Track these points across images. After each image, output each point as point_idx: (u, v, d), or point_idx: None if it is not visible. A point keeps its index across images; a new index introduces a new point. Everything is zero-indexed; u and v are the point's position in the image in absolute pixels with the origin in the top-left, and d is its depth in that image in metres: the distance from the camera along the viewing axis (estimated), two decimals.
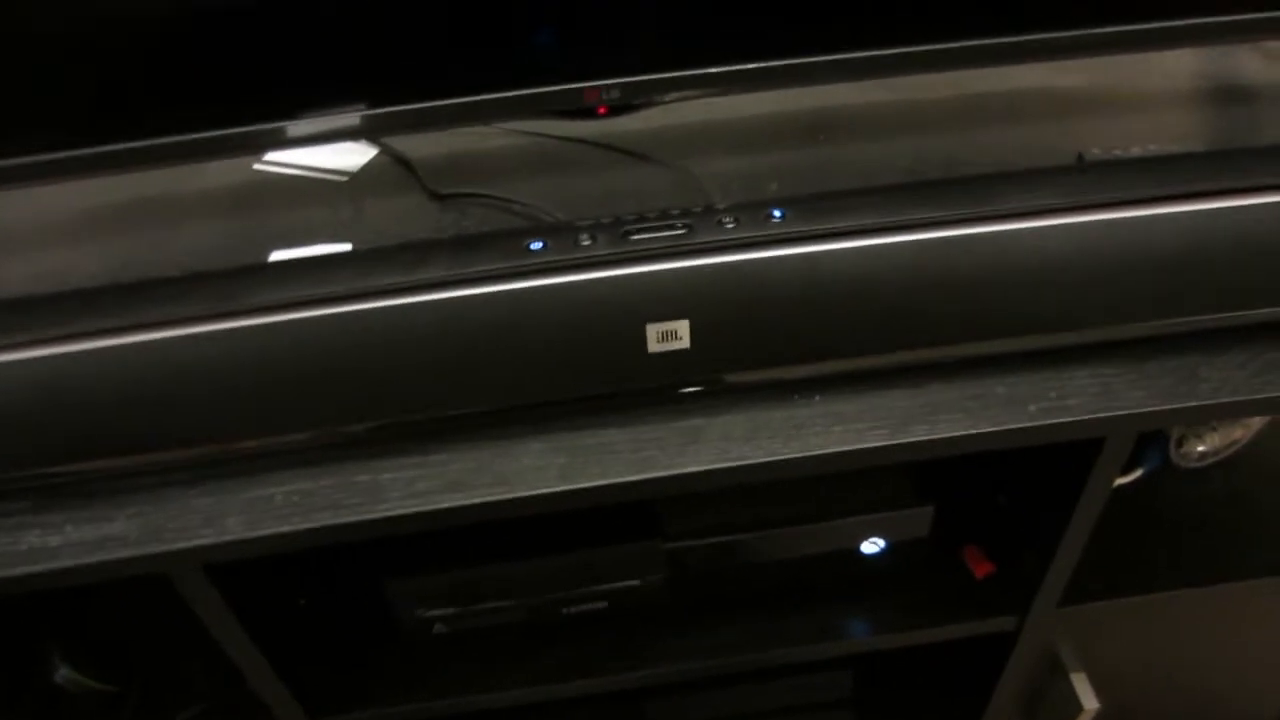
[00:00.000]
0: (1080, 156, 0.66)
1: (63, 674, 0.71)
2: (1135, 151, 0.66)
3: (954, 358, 0.59)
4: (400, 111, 0.62)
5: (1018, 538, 0.73)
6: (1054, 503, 0.65)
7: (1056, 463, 0.64)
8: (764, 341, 0.55)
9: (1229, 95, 0.82)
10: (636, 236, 0.53)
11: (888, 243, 0.53)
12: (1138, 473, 0.82)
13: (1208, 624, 0.82)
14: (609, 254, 0.52)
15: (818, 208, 0.54)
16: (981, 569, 0.76)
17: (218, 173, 0.75)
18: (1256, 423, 0.82)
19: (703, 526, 0.72)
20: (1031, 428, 0.55)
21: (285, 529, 0.54)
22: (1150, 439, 0.82)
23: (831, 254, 0.52)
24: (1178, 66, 0.84)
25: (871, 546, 0.74)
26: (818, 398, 0.58)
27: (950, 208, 0.54)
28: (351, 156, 0.76)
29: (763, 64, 0.63)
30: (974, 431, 0.55)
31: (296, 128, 0.62)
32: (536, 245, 0.52)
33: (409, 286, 0.52)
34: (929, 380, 0.59)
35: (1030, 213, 0.55)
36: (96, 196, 0.73)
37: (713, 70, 0.63)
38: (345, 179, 0.74)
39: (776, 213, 0.53)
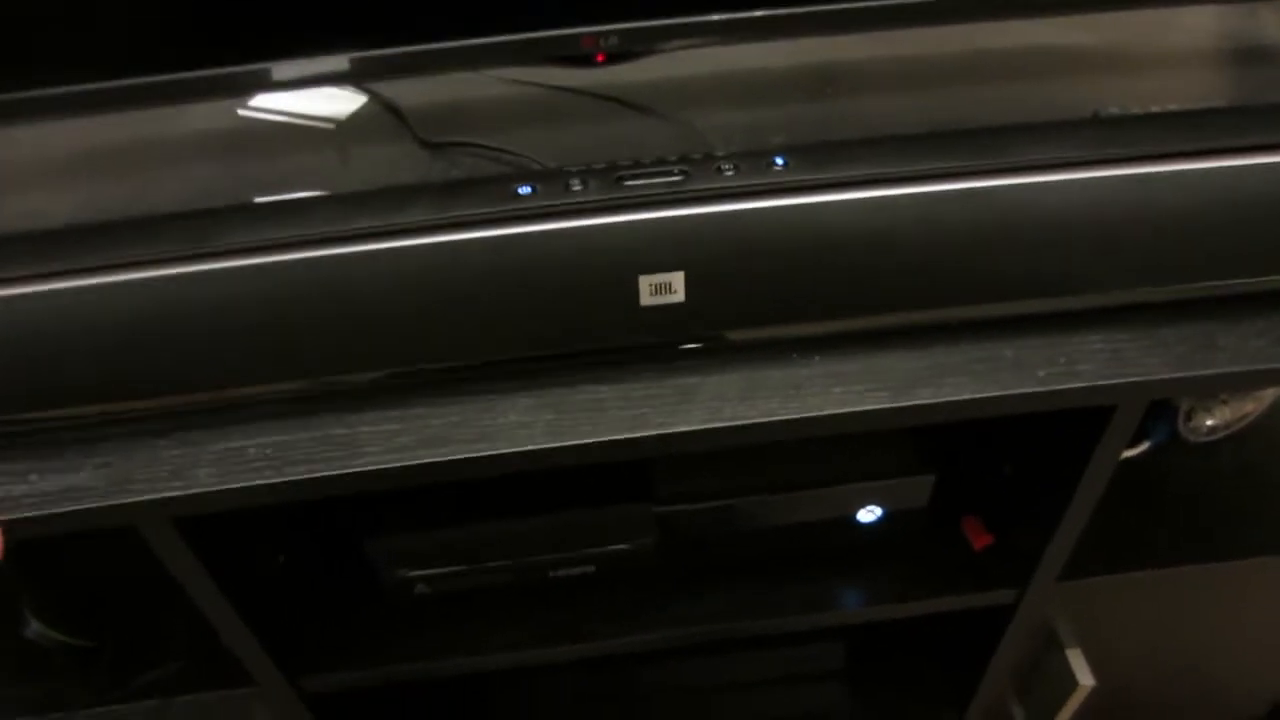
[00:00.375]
0: (1096, 113, 0.64)
1: (34, 629, 0.69)
2: (1154, 110, 0.64)
3: (961, 319, 0.56)
4: (389, 55, 0.60)
5: (1019, 509, 0.71)
6: (1058, 474, 0.63)
7: (1062, 432, 0.62)
8: (763, 297, 0.53)
9: (1251, 55, 0.79)
10: (631, 183, 0.50)
11: (895, 194, 0.50)
12: (1145, 445, 0.80)
13: (1209, 602, 0.80)
14: (601, 200, 0.49)
15: (822, 156, 0.51)
16: (980, 540, 0.74)
17: (202, 117, 0.72)
18: (1267, 397, 0.80)
19: (695, 490, 0.70)
20: (1040, 393, 0.53)
21: (257, 482, 0.51)
22: (1158, 411, 0.80)
23: (835, 205, 0.50)
24: (1197, 24, 0.80)
25: (869, 515, 0.72)
26: (817, 357, 0.56)
27: (960, 159, 0.51)
28: (340, 103, 0.74)
29: (769, 11, 0.60)
30: (980, 396, 0.53)
31: (282, 70, 0.59)
32: (525, 190, 0.50)
33: (390, 230, 0.49)
34: (934, 342, 0.56)
35: (1044, 166, 0.52)
36: (76, 138, 0.70)
37: (717, 17, 0.61)
38: (333, 126, 0.72)
39: (779, 160, 0.50)
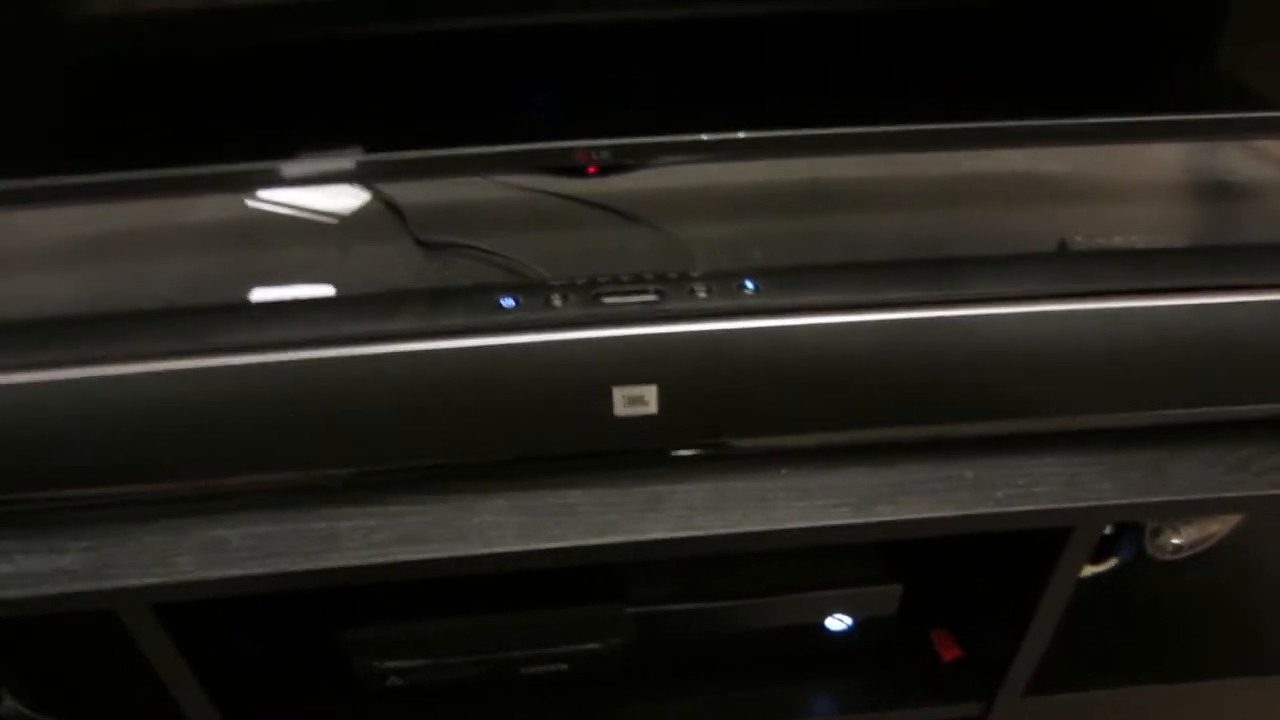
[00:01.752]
0: (1063, 243, 0.67)
1: (6, 705, 0.70)
2: (1118, 241, 0.67)
3: (923, 438, 0.58)
4: (394, 159, 0.63)
5: (986, 622, 0.72)
6: (1021, 590, 0.65)
7: (1025, 549, 0.64)
8: (732, 411, 0.55)
9: (1213, 190, 0.83)
10: (608, 299, 0.53)
11: (859, 320, 0.53)
12: (1112, 562, 0.81)
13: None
14: (579, 315, 0.52)
15: (790, 281, 0.54)
16: (949, 652, 0.75)
17: (210, 208, 0.76)
18: (1232, 518, 0.81)
19: (667, 593, 0.71)
20: (997, 514, 0.55)
21: (238, 572, 0.53)
22: (1125, 529, 0.81)
23: (802, 329, 0.52)
24: (1165, 158, 0.85)
25: (838, 623, 0.73)
26: (784, 471, 0.58)
27: (923, 288, 0.54)
28: (343, 200, 0.77)
29: (753, 134, 0.64)
30: (939, 515, 0.55)
31: (290, 168, 0.63)
32: (508, 302, 0.52)
33: (377, 336, 0.52)
34: (897, 460, 0.58)
35: (1006, 298, 0.54)
36: (87, 224, 0.73)
37: (703, 137, 0.64)
38: (335, 221, 0.75)
39: (749, 284, 0.53)
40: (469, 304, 0.53)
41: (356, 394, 0.53)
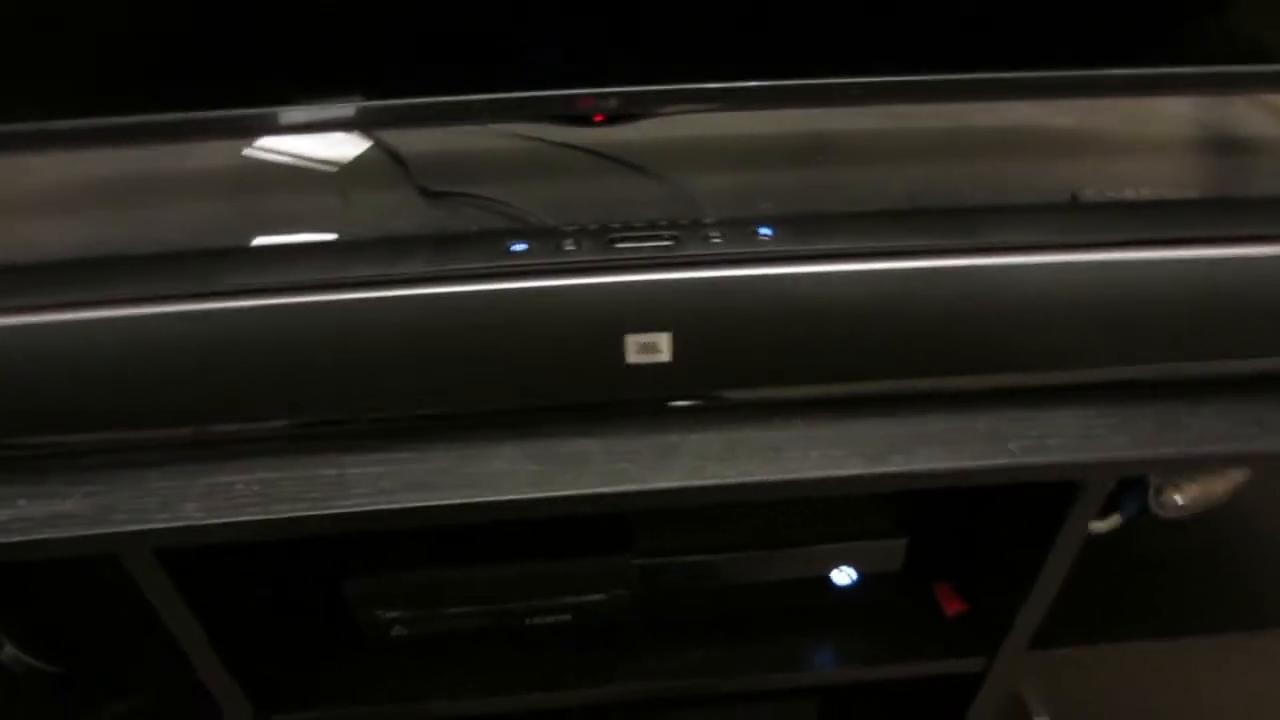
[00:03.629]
0: (1074, 196, 0.66)
1: (7, 652, 0.69)
2: (1129, 194, 0.66)
3: (937, 390, 0.58)
4: (395, 105, 0.62)
5: (991, 577, 0.72)
6: (1029, 544, 0.65)
7: (1034, 504, 0.63)
8: (746, 360, 0.55)
9: (1226, 144, 0.82)
10: (621, 245, 0.52)
11: (874, 269, 0.52)
12: (1116, 519, 0.81)
13: (1178, 677, 0.81)
14: (591, 260, 0.51)
15: (806, 228, 0.53)
16: (952, 606, 0.75)
17: (207, 154, 0.74)
18: (1236, 477, 0.81)
19: (673, 545, 0.71)
20: (1010, 466, 0.54)
21: (243, 518, 0.52)
22: (1130, 487, 0.81)
23: (817, 276, 0.52)
24: (1176, 112, 0.84)
25: (843, 577, 0.73)
26: (797, 421, 0.57)
27: (939, 237, 0.53)
28: (343, 148, 0.76)
29: (763, 83, 0.63)
30: (951, 466, 0.55)
31: (289, 114, 0.62)
32: (519, 247, 0.52)
33: (386, 280, 0.51)
34: (910, 411, 0.58)
35: (1020, 248, 0.54)
36: (83, 169, 0.72)
37: (712, 85, 0.63)
38: (335, 170, 0.74)
39: (764, 230, 0.52)
40: (479, 248, 0.52)
41: (364, 339, 0.52)
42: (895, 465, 0.55)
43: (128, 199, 0.71)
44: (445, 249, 0.53)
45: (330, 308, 0.51)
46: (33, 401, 0.53)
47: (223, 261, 0.54)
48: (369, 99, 0.62)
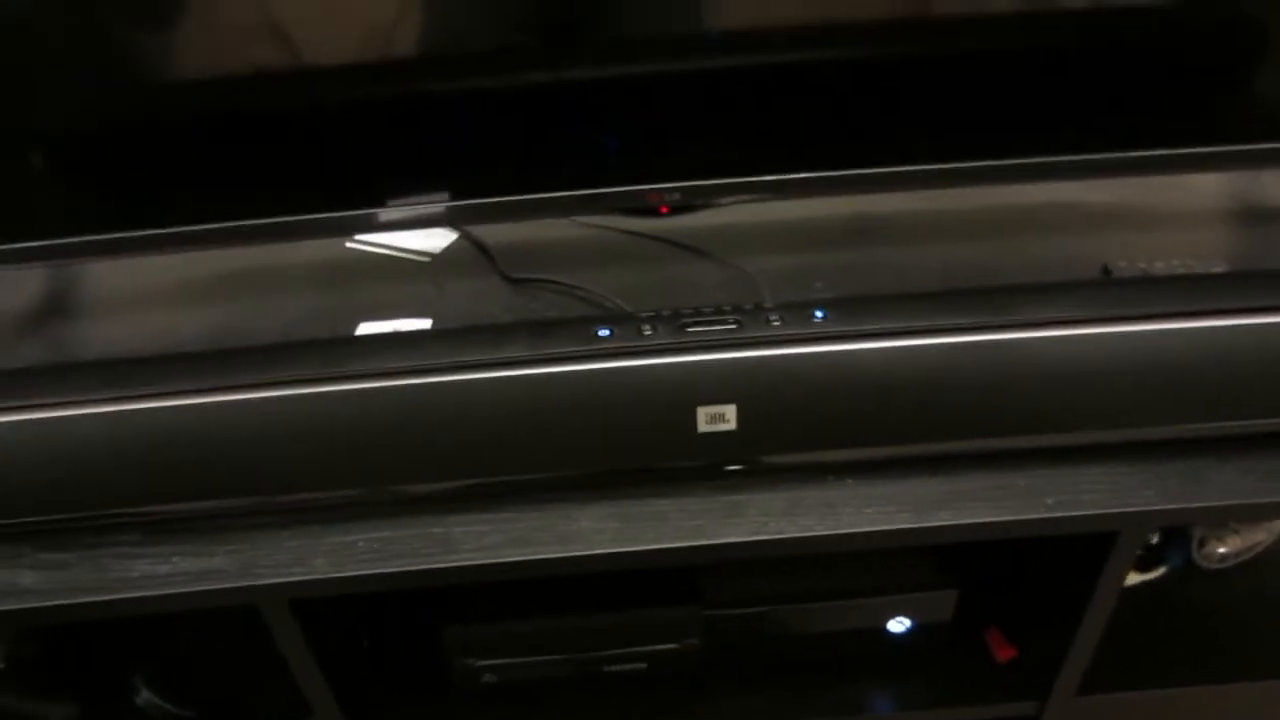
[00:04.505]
0: (1105, 269, 0.72)
1: (143, 697, 0.77)
2: (1159, 266, 0.72)
3: (978, 450, 0.64)
4: (479, 204, 0.71)
5: (1039, 624, 0.77)
6: (1071, 593, 0.69)
7: (1076, 554, 0.68)
8: (803, 427, 0.61)
9: (1253, 216, 0.87)
10: (692, 329, 0.59)
11: (918, 345, 0.59)
12: (1161, 571, 0.86)
13: None
14: (667, 343, 0.59)
15: (856, 310, 0.60)
16: (1004, 653, 0.79)
17: (314, 249, 0.83)
18: (1277, 527, 0.85)
19: (740, 596, 0.76)
20: (1048, 519, 0.60)
21: (366, 571, 0.60)
22: (1174, 539, 0.85)
23: (867, 353, 0.59)
24: (1208, 185, 0.89)
25: (898, 626, 0.78)
26: (850, 481, 0.64)
27: (976, 315, 0.60)
28: (434, 240, 0.84)
29: (812, 174, 0.70)
30: (994, 520, 0.60)
31: (387, 214, 0.71)
32: (604, 332, 0.59)
33: (492, 363, 0.59)
34: (954, 470, 0.64)
35: (1052, 323, 0.60)
36: (206, 266, 0.81)
37: (765, 178, 0.71)
38: (428, 259, 0.82)
39: (818, 313, 0.59)
40: (569, 333, 0.60)
41: (470, 415, 0.59)
42: (942, 519, 0.61)
43: (245, 292, 0.80)
44: (540, 334, 0.60)
45: (441, 389, 0.59)
46: (182, 472, 0.61)
47: (345, 348, 0.62)
48: (456, 198, 0.70)
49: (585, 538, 0.61)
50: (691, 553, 0.59)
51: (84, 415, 0.59)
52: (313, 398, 0.59)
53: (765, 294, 0.71)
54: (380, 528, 0.63)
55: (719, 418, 0.60)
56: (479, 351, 0.59)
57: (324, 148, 0.68)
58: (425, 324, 0.72)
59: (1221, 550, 0.85)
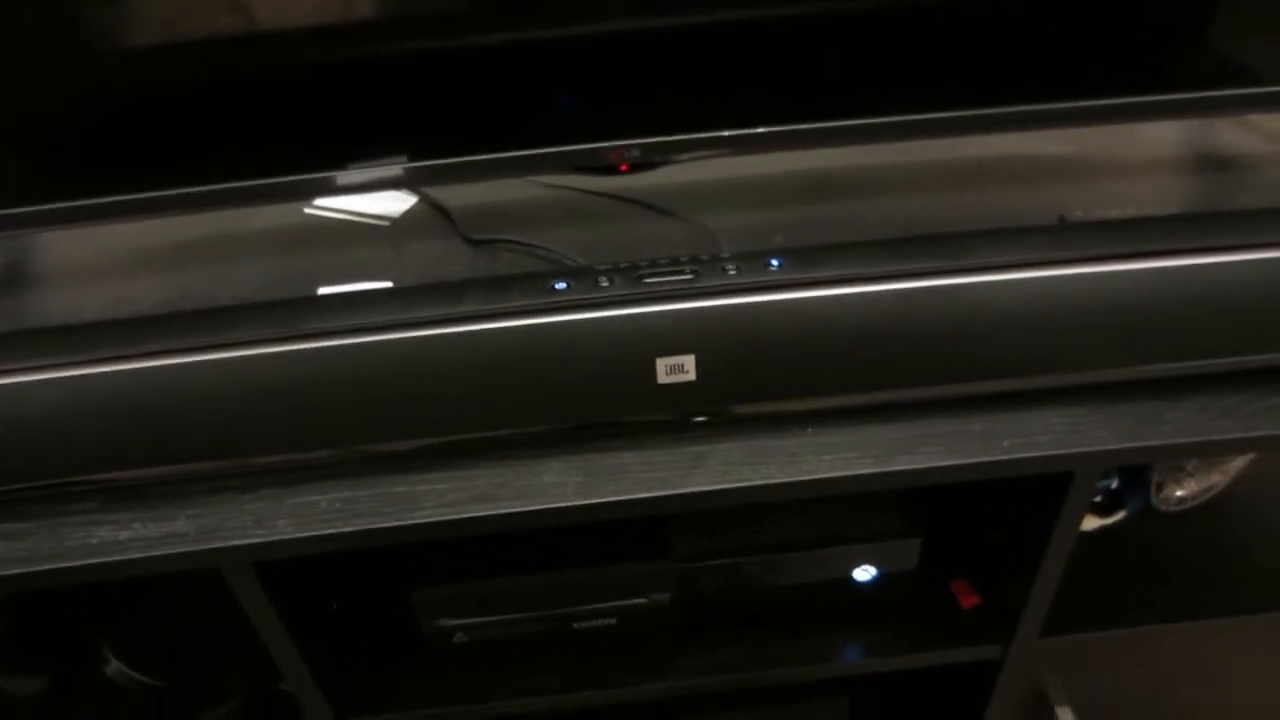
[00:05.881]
0: (1061, 217, 0.72)
1: (113, 667, 0.77)
2: (1114, 213, 0.72)
3: (935, 397, 0.64)
4: (438, 165, 0.70)
5: (1002, 570, 0.78)
6: (1032, 536, 0.70)
7: (1034, 499, 0.69)
8: (762, 377, 0.62)
9: (1206, 164, 0.88)
10: (649, 280, 0.59)
11: (873, 290, 0.59)
12: (1120, 515, 0.87)
13: (1187, 660, 0.86)
14: (624, 294, 0.59)
15: (811, 258, 0.60)
16: (968, 600, 0.80)
17: (272, 215, 0.82)
18: (1232, 469, 0.87)
19: (708, 550, 0.77)
20: (1004, 460, 0.61)
21: (329, 531, 0.60)
22: (1132, 483, 0.87)
23: (822, 300, 0.59)
24: (1162, 134, 0.90)
25: (864, 574, 0.79)
26: (810, 429, 0.64)
27: (932, 260, 0.60)
28: (393, 203, 0.83)
29: (771, 129, 0.70)
30: (952, 463, 0.61)
31: (345, 177, 0.70)
32: (560, 285, 0.59)
33: (447, 319, 0.58)
34: (912, 417, 0.64)
35: (1006, 266, 0.60)
36: (163, 234, 0.80)
37: (725, 133, 0.70)
38: (387, 223, 0.82)
39: (774, 261, 0.60)
40: (525, 288, 0.60)
41: (427, 372, 0.59)
42: (901, 464, 0.61)
43: (204, 259, 0.78)
44: (495, 290, 0.60)
45: (398, 346, 0.59)
46: (138, 438, 0.61)
47: (300, 309, 0.62)
48: (414, 160, 0.69)
49: (547, 492, 0.61)
50: (654, 503, 0.60)
51: (38, 381, 0.58)
52: (270, 358, 0.59)
53: (725, 249, 0.70)
54: (342, 488, 0.63)
55: (678, 369, 0.60)
56: (434, 307, 0.59)
57: (280, 111, 0.68)
58: (385, 286, 0.71)
59: (1179, 493, 0.86)
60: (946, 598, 0.81)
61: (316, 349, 0.59)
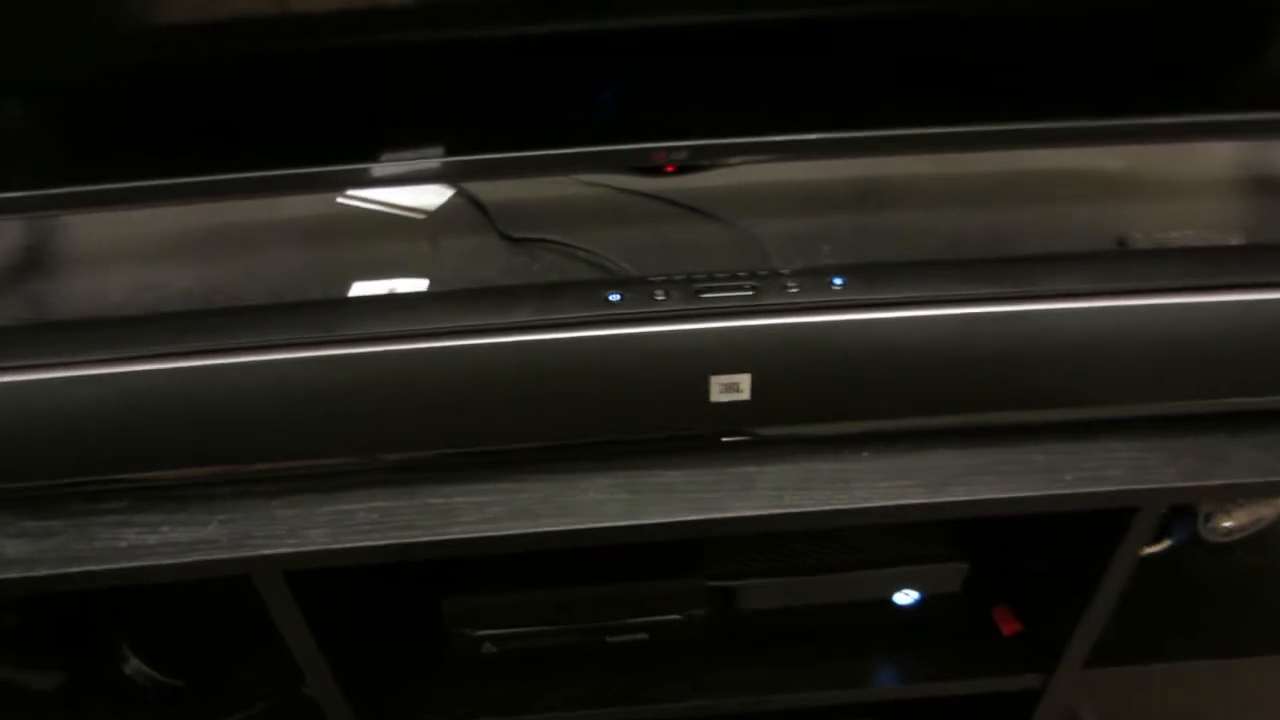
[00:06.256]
0: (1122, 240, 0.70)
1: (132, 665, 0.76)
2: (1174, 237, 0.70)
3: (997, 424, 0.62)
4: (478, 160, 0.67)
5: (1047, 599, 0.76)
6: (1084, 568, 0.68)
7: (1088, 530, 0.67)
8: (818, 398, 0.59)
9: (1266, 186, 0.85)
10: (707, 295, 0.57)
11: (938, 315, 0.57)
12: (1166, 543, 0.85)
13: (1228, 695, 0.84)
14: (681, 309, 0.56)
15: (874, 278, 0.58)
16: (1010, 627, 0.78)
17: (304, 205, 0.80)
18: None
19: (744, 568, 0.75)
20: (1066, 495, 0.59)
21: (364, 543, 0.58)
22: (1179, 512, 0.84)
23: (886, 322, 0.56)
24: (1220, 153, 0.87)
25: (905, 598, 0.77)
26: (865, 453, 0.62)
27: (997, 285, 0.58)
28: (429, 196, 0.81)
29: (823, 135, 0.67)
30: (1011, 495, 0.59)
31: (381, 169, 0.67)
32: (615, 297, 0.57)
33: (499, 327, 0.56)
34: (972, 444, 0.62)
35: (1070, 294, 0.58)
36: (194, 222, 0.78)
37: (775, 139, 0.68)
38: (423, 217, 0.79)
39: (837, 280, 0.57)
40: (579, 298, 0.57)
41: (475, 381, 0.57)
42: (960, 494, 0.59)
43: (236, 248, 0.76)
44: (548, 298, 0.58)
45: (445, 354, 0.56)
46: (171, 438, 0.59)
47: (345, 310, 0.60)
48: (453, 154, 0.67)
49: (590, 510, 0.59)
50: (701, 526, 0.58)
51: (70, 377, 0.56)
52: (311, 361, 0.57)
53: (773, 257, 0.69)
54: (378, 497, 0.61)
55: (733, 387, 0.58)
56: (484, 315, 0.57)
57: (316, 99, 0.66)
58: (421, 284, 0.69)
59: (1227, 524, 0.84)
60: (988, 624, 0.79)
61: (359, 354, 0.57)
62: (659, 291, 0.57)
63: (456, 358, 0.56)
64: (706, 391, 0.58)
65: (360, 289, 0.69)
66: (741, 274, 0.59)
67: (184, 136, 0.66)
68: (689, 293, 0.57)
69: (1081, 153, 0.84)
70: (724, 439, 0.62)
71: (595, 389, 0.58)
